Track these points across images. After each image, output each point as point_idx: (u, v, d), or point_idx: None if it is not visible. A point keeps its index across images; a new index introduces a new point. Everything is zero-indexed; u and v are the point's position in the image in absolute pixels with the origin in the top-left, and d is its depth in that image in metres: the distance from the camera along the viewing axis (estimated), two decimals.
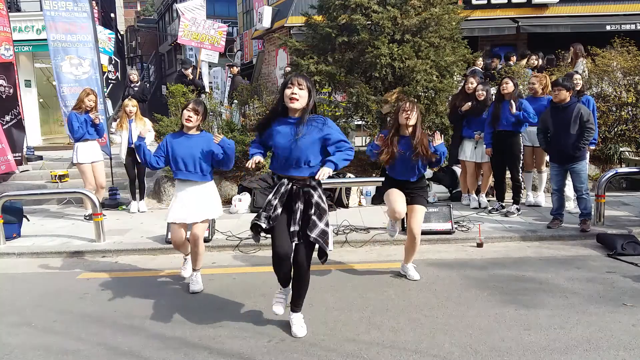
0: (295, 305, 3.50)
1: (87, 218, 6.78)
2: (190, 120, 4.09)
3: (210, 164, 4.18)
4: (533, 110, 5.92)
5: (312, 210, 3.28)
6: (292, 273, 3.42)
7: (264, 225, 3.27)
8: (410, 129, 4.19)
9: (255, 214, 3.42)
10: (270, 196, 3.33)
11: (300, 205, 3.29)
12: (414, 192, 4.30)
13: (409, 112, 4.14)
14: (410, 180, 4.27)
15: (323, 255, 3.38)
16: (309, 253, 3.33)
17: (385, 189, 4.42)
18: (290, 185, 3.30)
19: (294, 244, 3.31)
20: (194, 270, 4.36)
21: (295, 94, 3.21)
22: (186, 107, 4.11)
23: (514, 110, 5.84)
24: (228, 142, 4.03)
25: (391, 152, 4.16)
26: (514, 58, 10.13)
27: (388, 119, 8.41)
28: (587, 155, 6.00)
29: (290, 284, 3.49)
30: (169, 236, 5.50)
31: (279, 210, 3.30)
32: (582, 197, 5.47)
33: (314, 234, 3.23)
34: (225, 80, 13.05)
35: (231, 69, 12.22)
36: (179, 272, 4.71)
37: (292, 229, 3.28)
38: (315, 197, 3.31)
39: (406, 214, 4.32)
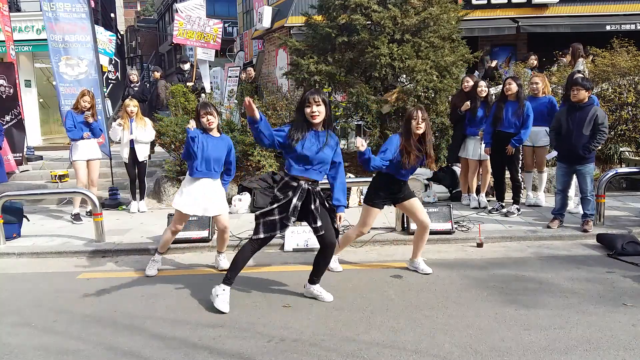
0: (318, 278, 4.00)
1: (87, 213, 6.81)
2: (212, 122, 4.43)
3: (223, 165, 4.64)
4: (531, 115, 5.98)
5: (327, 205, 3.86)
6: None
7: (277, 233, 3.80)
8: (421, 134, 4.25)
9: (258, 212, 3.84)
10: (291, 197, 3.72)
11: (318, 203, 3.78)
12: (402, 188, 4.40)
13: (419, 121, 4.17)
14: (405, 180, 4.43)
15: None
16: (334, 233, 3.89)
17: (374, 195, 4.43)
18: (306, 186, 3.74)
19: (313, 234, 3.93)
20: (220, 252, 4.89)
21: (315, 111, 3.61)
22: (200, 114, 4.42)
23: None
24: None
25: (415, 156, 4.21)
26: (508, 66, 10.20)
27: (387, 119, 8.42)
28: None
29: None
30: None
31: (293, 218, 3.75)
32: (587, 199, 5.47)
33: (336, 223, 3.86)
34: (225, 80, 13.04)
35: (154, 74, 11.76)
36: (180, 272, 4.71)
37: (314, 225, 3.76)
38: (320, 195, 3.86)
39: (405, 212, 4.42)
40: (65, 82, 8.01)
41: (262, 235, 3.73)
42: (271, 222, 3.73)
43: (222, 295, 3.83)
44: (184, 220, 4.67)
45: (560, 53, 9.33)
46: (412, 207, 4.42)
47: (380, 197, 4.40)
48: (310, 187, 3.74)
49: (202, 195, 4.50)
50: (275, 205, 3.73)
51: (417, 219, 4.46)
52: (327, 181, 3.97)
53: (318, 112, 3.62)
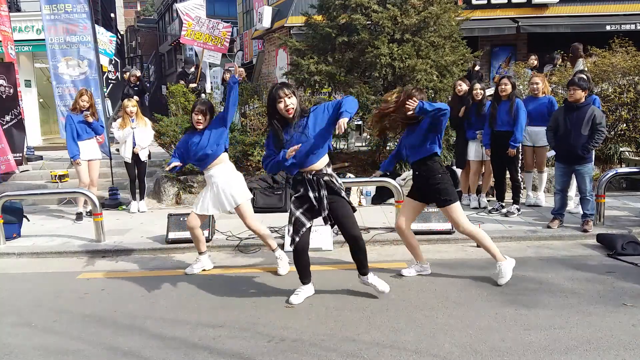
0: (364, 269, 3.89)
1: (87, 213, 6.81)
2: (200, 123, 4.38)
3: (221, 141, 4.44)
4: (524, 116, 5.97)
5: (336, 189, 3.70)
6: (309, 268, 3.95)
7: (308, 225, 3.74)
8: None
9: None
10: (304, 192, 3.68)
11: (324, 192, 3.66)
12: (423, 172, 4.12)
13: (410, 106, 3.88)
14: (421, 159, 4.11)
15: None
16: (355, 223, 3.76)
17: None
18: (312, 177, 3.66)
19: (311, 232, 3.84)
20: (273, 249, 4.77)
21: (289, 104, 3.50)
22: (193, 111, 4.39)
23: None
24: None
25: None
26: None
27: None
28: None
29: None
30: (170, 236, 5.54)
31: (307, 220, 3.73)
32: (586, 199, 5.47)
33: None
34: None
35: (125, 75, 11.45)
36: (180, 272, 4.71)
37: (323, 214, 3.68)
38: (331, 179, 3.72)
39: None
40: (64, 82, 8.00)
41: (297, 239, 3.72)
42: (296, 219, 3.71)
43: (298, 294, 3.96)
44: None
45: (563, 53, 9.33)
46: (444, 213, 4.32)
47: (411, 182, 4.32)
48: (314, 177, 3.67)
49: (217, 189, 4.49)
50: (294, 205, 3.75)
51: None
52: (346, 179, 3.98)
53: (291, 104, 3.51)
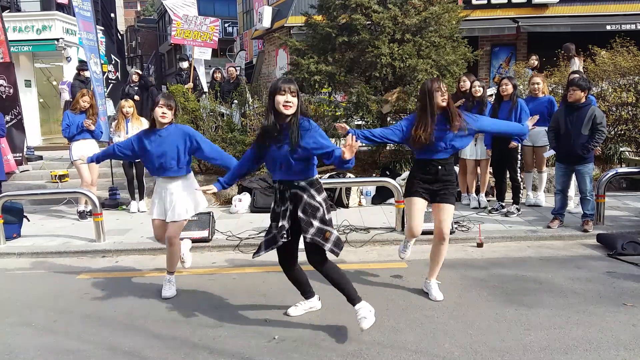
0: (350, 299, 3.34)
1: (87, 213, 6.80)
2: (165, 116, 4.03)
3: (187, 156, 4.10)
4: (527, 117, 5.97)
5: (301, 210, 3.25)
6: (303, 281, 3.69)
7: (280, 242, 3.34)
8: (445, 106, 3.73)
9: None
10: (274, 208, 3.40)
11: (289, 206, 3.29)
12: (438, 175, 3.80)
13: (444, 92, 3.68)
14: (443, 159, 3.79)
15: (331, 251, 3.27)
16: (314, 256, 3.34)
17: (410, 182, 3.92)
18: (281, 188, 3.31)
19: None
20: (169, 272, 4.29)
21: (289, 101, 3.15)
22: (157, 104, 4.02)
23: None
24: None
25: (428, 133, 3.66)
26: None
27: (388, 118, 8.42)
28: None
29: (311, 295, 3.74)
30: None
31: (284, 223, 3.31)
32: (586, 199, 5.47)
33: (309, 235, 3.21)
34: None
35: (82, 72, 10.63)
36: (180, 272, 4.71)
37: (280, 224, 3.30)
38: (305, 197, 3.26)
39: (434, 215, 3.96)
40: (97, 81, 7.90)
41: (261, 253, 3.45)
42: (272, 236, 3.40)
43: (297, 307, 3.77)
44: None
45: (562, 52, 9.33)
46: (440, 212, 3.89)
47: (417, 183, 3.85)
48: (283, 189, 3.30)
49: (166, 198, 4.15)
50: (270, 218, 3.46)
51: (435, 226, 3.96)
52: (330, 182, 3.85)
53: (292, 103, 3.15)
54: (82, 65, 10.42)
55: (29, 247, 5.67)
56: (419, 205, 3.88)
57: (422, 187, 3.84)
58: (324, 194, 3.38)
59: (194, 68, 11.04)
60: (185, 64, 11.11)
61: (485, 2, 13.01)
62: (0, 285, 4.67)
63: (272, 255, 5.07)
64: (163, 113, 4.01)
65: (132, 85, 10.63)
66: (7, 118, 8.91)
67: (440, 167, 3.78)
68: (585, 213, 5.53)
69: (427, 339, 3.30)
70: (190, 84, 10.53)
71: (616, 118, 7.84)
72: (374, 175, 7.74)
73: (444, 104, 3.68)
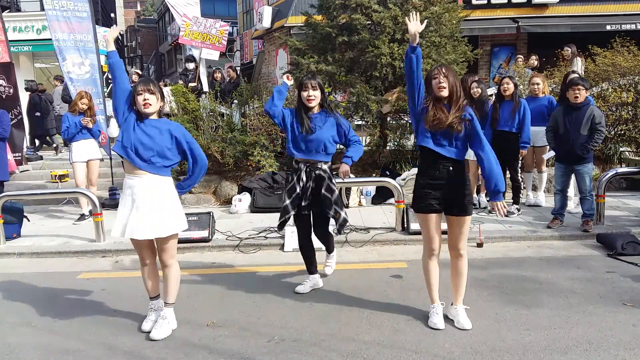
0: (329, 251, 4.47)
1: (87, 216, 6.80)
2: (150, 104, 3.32)
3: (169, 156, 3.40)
4: (530, 117, 6.00)
5: (324, 189, 3.92)
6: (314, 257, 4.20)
7: (292, 213, 3.98)
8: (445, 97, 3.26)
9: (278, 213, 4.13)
10: (293, 183, 3.95)
11: (312, 184, 3.92)
12: (458, 192, 3.33)
13: (442, 80, 3.21)
14: (453, 158, 3.30)
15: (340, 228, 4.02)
16: (323, 229, 4.18)
17: (417, 190, 3.41)
18: (306, 169, 3.91)
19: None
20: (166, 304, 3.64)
21: (311, 95, 3.82)
22: (137, 92, 3.33)
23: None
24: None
25: (438, 114, 3.22)
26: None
27: (388, 118, 8.42)
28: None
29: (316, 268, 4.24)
30: None
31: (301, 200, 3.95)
32: (586, 199, 5.47)
33: (331, 211, 3.95)
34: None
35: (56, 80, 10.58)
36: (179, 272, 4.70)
37: (303, 203, 3.94)
38: (327, 179, 3.94)
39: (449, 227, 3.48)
40: (73, 81, 7.93)
41: (278, 222, 4.04)
42: (284, 207, 3.97)
43: (304, 284, 4.22)
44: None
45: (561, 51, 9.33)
46: (455, 225, 3.41)
47: (426, 194, 3.33)
48: (309, 169, 3.91)
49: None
50: (286, 191, 3.99)
51: (450, 239, 3.48)
52: None
53: (314, 95, 3.82)
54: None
55: (29, 247, 5.67)
56: (434, 220, 3.35)
57: (433, 198, 3.32)
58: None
59: (199, 68, 11.06)
60: (191, 65, 11.11)
61: (485, 2, 13.01)
62: (0, 285, 4.67)
63: (272, 256, 5.09)
64: (145, 100, 3.30)
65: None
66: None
67: (451, 168, 3.29)
68: (585, 213, 5.53)
69: (427, 339, 3.29)
70: (194, 84, 10.54)
71: (616, 118, 7.84)
72: (374, 175, 7.74)
73: (440, 93, 3.20)
